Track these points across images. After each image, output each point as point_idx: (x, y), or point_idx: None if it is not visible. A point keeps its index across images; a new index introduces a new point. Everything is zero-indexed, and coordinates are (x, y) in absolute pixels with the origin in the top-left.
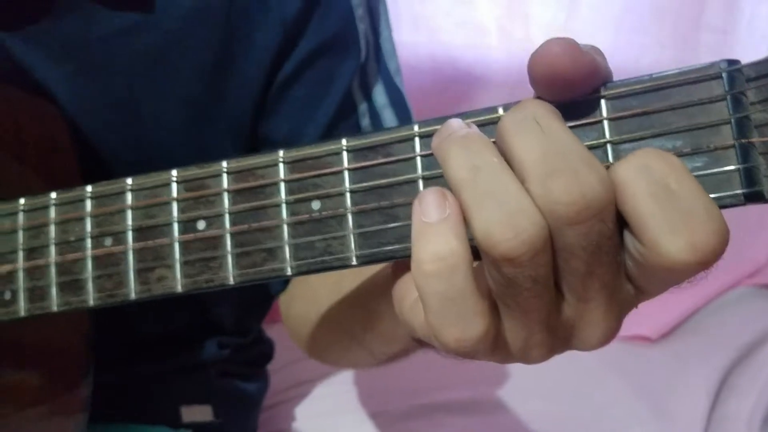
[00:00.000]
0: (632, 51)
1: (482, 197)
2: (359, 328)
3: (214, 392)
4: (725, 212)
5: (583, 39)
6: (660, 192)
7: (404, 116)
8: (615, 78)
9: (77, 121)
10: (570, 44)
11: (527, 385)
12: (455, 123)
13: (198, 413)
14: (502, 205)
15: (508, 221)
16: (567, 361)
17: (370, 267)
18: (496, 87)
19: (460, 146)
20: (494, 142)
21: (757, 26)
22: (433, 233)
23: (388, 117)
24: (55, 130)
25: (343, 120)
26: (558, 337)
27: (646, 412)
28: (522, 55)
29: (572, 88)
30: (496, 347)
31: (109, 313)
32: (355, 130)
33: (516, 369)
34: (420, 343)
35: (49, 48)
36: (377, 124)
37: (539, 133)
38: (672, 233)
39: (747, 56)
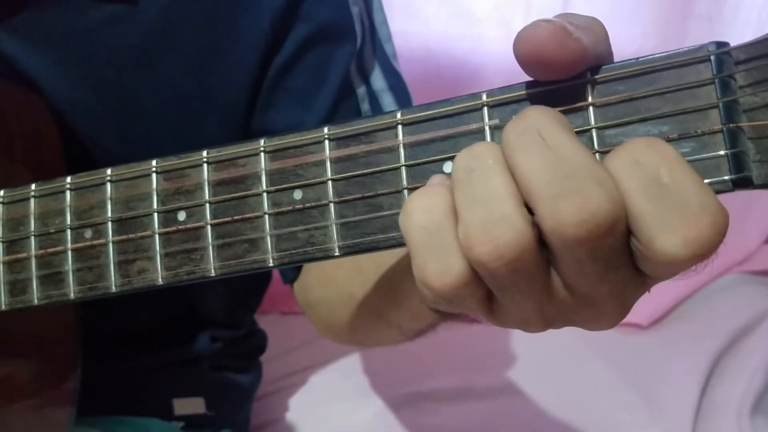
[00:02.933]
0: (627, 39)
1: (470, 199)
2: (386, 307)
3: (207, 385)
4: None
5: None
6: (652, 188)
7: (404, 99)
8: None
9: (63, 114)
10: (557, 27)
11: (516, 373)
12: None
13: (190, 406)
14: (485, 209)
15: (485, 227)
16: (556, 348)
17: None
18: (491, 76)
19: (468, 148)
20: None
21: (743, 13)
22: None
23: (387, 101)
24: (41, 123)
25: (342, 106)
26: (557, 320)
27: (637, 398)
28: (483, 47)
29: (558, 72)
30: (491, 314)
31: (100, 307)
32: (356, 116)
33: (505, 357)
34: (443, 317)
35: (34, 39)
36: (377, 109)
37: (543, 149)
38: (666, 230)
39: (734, 42)
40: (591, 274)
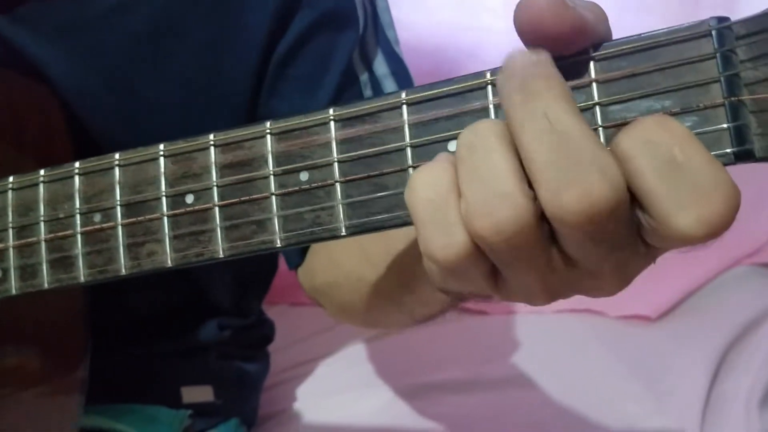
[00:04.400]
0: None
1: (471, 175)
2: (397, 292)
3: (215, 373)
4: None
5: None
6: (665, 167)
7: (405, 83)
8: None
9: (71, 103)
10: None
11: (523, 364)
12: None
13: (199, 394)
14: (485, 186)
15: (486, 203)
16: (563, 339)
17: (402, 231)
18: (496, 65)
19: (471, 125)
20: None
21: (756, 5)
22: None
23: (390, 86)
24: (49, 113)
25: (346, 93)
26: (561, 291)
27: (645, 389)
28: (493, 39)
29: (558, 44)
30: (496, 288)
31: (108, 294)
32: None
33: (511, 348)
34: (453, 302)
35: (42, 29)
36: (379, 94)
37: (549, 131)
38: (680, 208)
39: None
40: (593, 253)
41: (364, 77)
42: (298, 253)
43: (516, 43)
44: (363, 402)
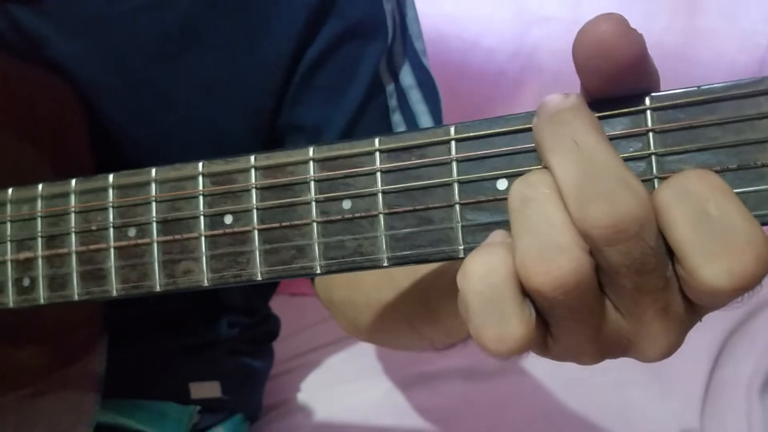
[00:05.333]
0: (645, 25)
1: (527, 228)
2: (420, 321)
3: (223, 369)
4: None
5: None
6: (698, 218)
7: (431, 96)
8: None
9: (91, 99)
10: (619, 20)
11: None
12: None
13: (207, 389)
14: (543, 238)
15: (544, 256)
16: None
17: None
18: (504, 60)
19: (523, 177)
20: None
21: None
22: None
23: (415, 97)
24: (68, 108)
25: (371, 104)
26: (611, 348)
27: (647, 375)
28: (532, 27)
29: (621, 72)
30: (546, 349)
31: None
32: (384, 111)
33: None
34: None
35: (65, 23)
36: (404, 105)
37: (576, 153)
38: (710, 261)
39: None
40: (626, 282)
41: (390, 88)
42: None
43: (520, 33)
44: (366, 391)
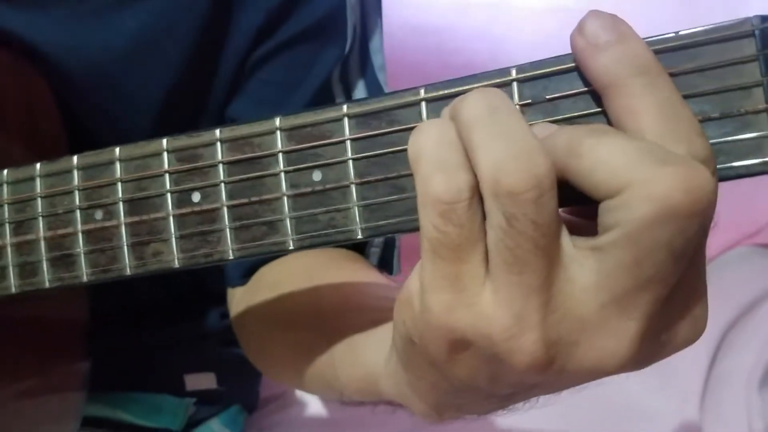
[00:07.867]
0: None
1: (498, 133)
2: (331, 377)
3: (217, 360)
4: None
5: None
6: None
7: None
8: None
9: (59, 93)
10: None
11: None
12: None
13: (202, 381)
14: (517, 142)
15: (523, 156)
16: None
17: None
18: (513, 49)
19: (480, 91)
20: None
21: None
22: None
23: None
24: (39, 100)
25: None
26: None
27: (647, 368)
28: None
29: None
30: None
31: (110, 283)
32: None
33: None
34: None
35: (39, 20)
36: None
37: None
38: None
39: None
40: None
41: (340, 100)
42: (241, 272)
43: (531, 21)
44: None
